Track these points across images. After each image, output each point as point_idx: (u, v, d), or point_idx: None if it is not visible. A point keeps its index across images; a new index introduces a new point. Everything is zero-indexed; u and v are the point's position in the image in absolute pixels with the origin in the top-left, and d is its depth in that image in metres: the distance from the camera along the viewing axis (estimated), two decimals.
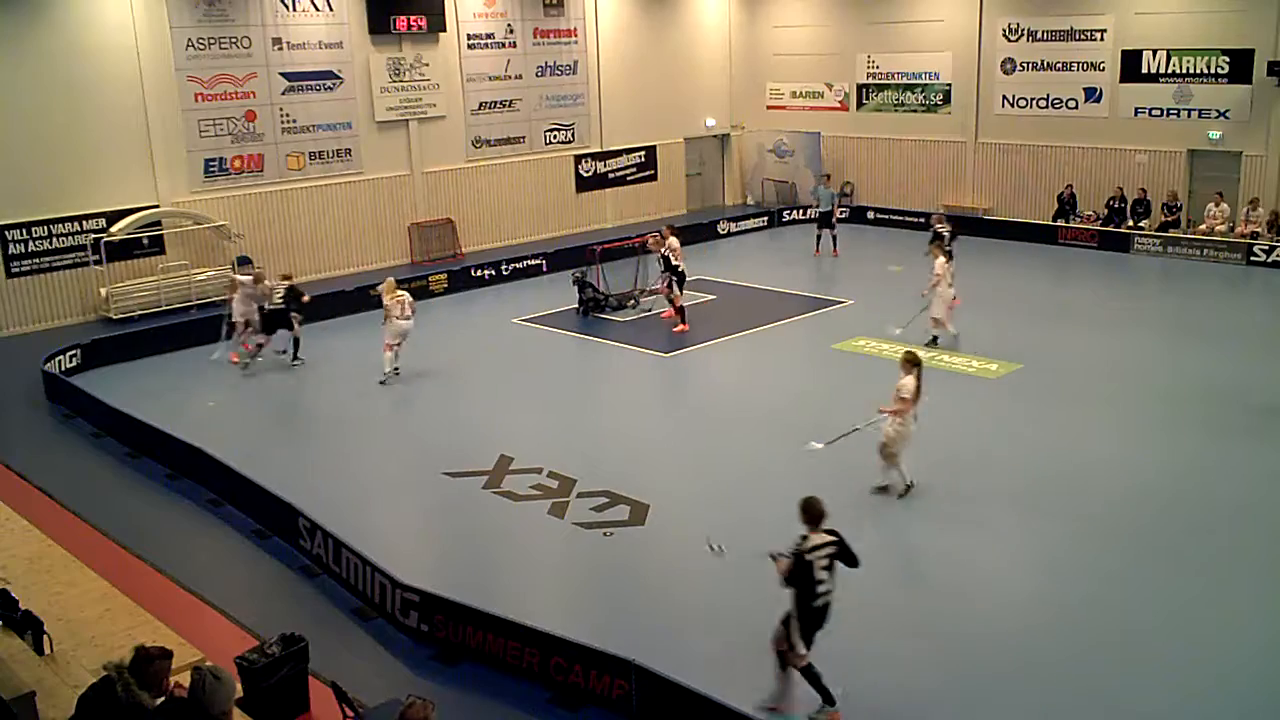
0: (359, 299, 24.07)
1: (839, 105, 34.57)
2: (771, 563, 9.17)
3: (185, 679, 7.04)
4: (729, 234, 31.56)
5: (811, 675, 9.29)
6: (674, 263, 21.40)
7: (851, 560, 9.25)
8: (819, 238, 28.64)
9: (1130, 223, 28.26)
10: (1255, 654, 10.31)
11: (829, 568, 9.08)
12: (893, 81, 33.16)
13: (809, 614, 9.11)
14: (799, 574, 8.99)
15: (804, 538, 9.10)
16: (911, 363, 13.56)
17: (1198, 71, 27.45)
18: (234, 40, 24.83)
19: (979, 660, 10.37)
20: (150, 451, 15.88)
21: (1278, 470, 14.38)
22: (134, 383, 19.33)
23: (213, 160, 24.94)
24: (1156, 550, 12.29)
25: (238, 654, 9.30)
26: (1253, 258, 25.86)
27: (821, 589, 9.04)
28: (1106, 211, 28.91)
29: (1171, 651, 10.37)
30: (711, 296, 23.99)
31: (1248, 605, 11.15)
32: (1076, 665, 10.14)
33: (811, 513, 9.16)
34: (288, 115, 25.90)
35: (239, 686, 8.50)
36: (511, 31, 29.84)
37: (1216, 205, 27.13)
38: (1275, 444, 15.22)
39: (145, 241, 24.01)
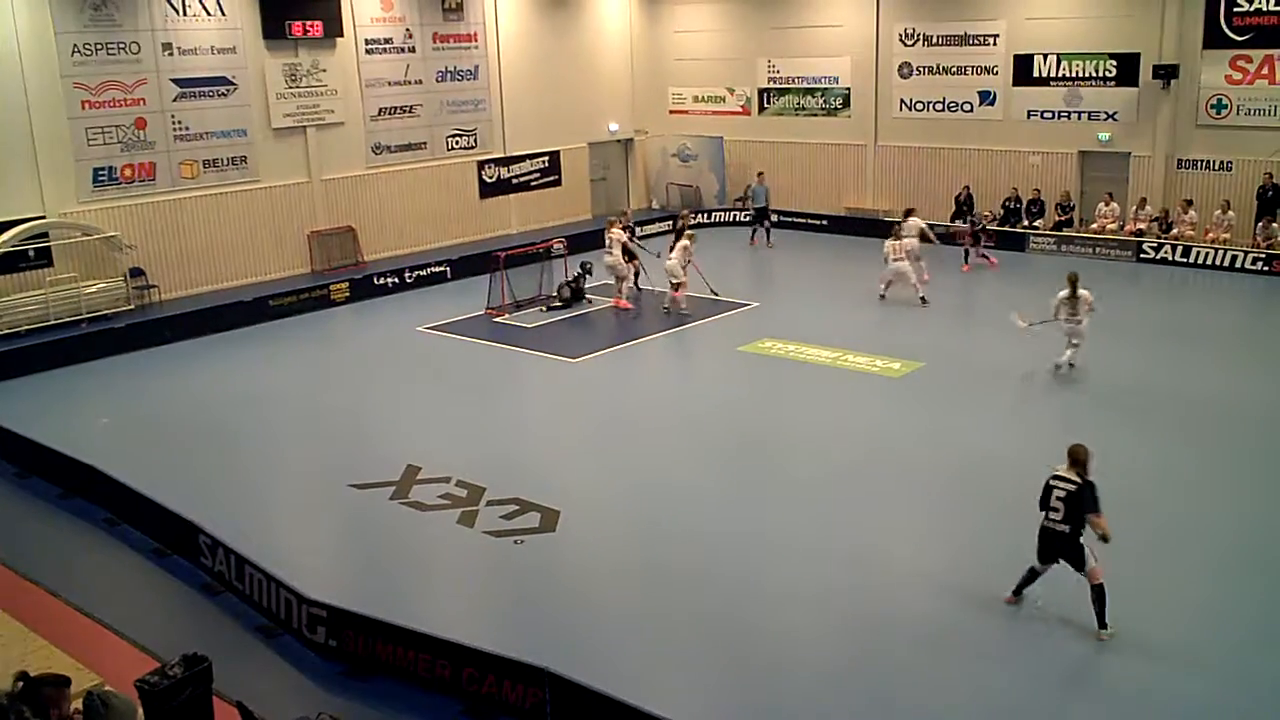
0: (258, 309, 23.60)
1: (741, 109, 34.86)
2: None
3: None
4: (634, 238, 31.53)
5: (1026, 575, 10.97)
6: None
7: (1090, 506, 10.36)
8: (754, 230, 30.71)
9: (1025, 222, 28.92)
10: (1149, 628, 10.60)
11: (1064, 500, 10.42)
12: (793, 86, 33.53)
13: (1040, 531, 10.70)
14: (1043, 494, 10.66)
15: (1056, 470, 10.64)
16: (1072, 282, 17.89)
17: (1087, 75, 28.23)
18: (122, 46, 24.09)
19: (889, 641, 10.49)
20: (41, 470, 15.33)
21: (1166, 463, 14.85)
22: (21, 400, 18.68)
23: (102, 169, 24.18)
24: None
25: (138, 677, 8.99)
26: (1142, 255, 26.65)
27: (1052, 515, 10.55)
28: (1003, 212, 29.55)
29: (1080, 634, 10.60)
30: (610, 302, 23.99)
31: (1147, 588, 11.46)
32: (983, 645, 10.32)
33: (1072, 456, 10.56)
34: (180, 122, 25.23)
35: (140, 711, 8.23)
36: (410, 36, 29.49)
37: (1106, 205, 27.92)
38: (1166, 434, 15.72)
39: (31, 254, 23.16)
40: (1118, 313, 22.54)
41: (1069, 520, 10.43)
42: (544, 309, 23.82)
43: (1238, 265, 25.36)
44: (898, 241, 23.48)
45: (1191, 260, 25.97)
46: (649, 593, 11.81)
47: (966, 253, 27.08)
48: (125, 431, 17.30)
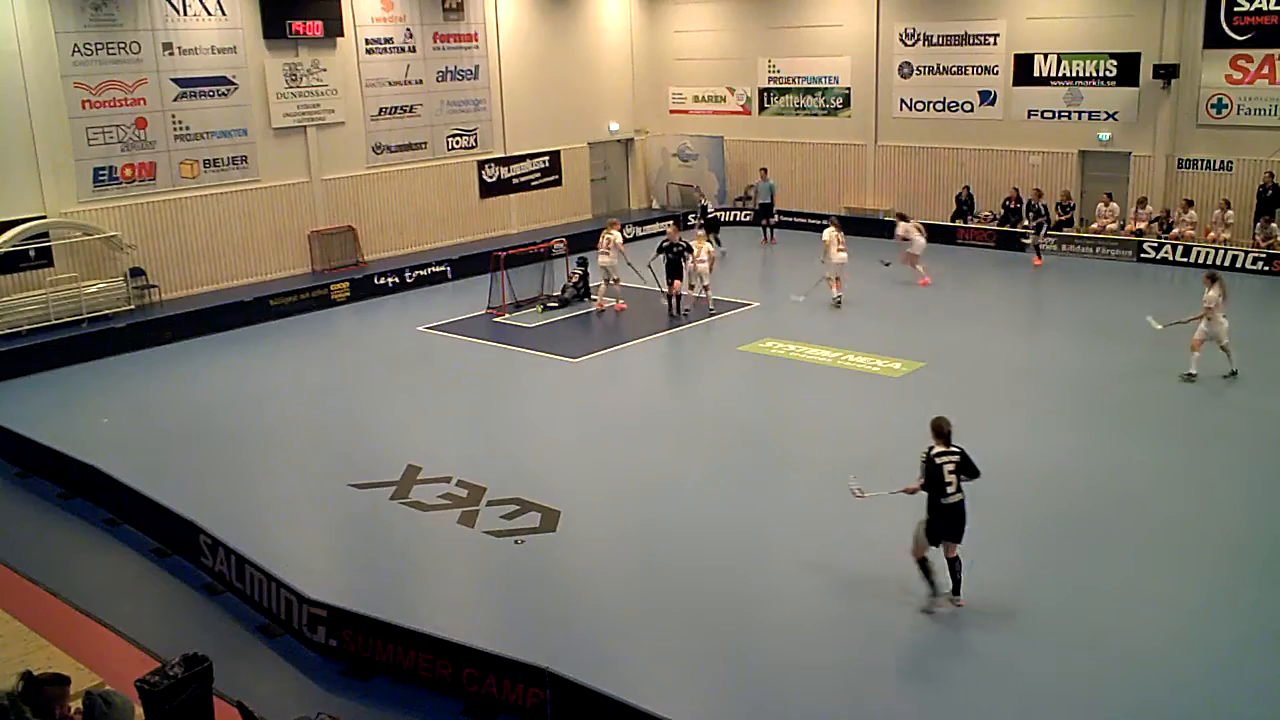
0: (258, 309, 23.60)
1: (741, 109, 34.86)
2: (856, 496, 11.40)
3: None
4: (634, 238, 31.55)
5: (924, 569, 10.97)
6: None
7: (973, 472, 10.82)
8: (764, 227, 30.95)
9: (1026, 222, 28.87)
10: (1145, 630, 10.61)
11: (955, 472, 10.68)
12: (794, 85, 33.52)
13: (938, 511, 10.74)
14: (930, 477, 10.68)
15: (931, 448, 10.76)
16: (1211, 278, 17.38)
17: (1087, 75, 28.24)
18: (122, 45, 24.08)
19: (889, 641, 10.49)
20: (41, 470, 15.33)
21: (1166, 461, 14.88)
22: (21, 400, 18.68)
23: (102, 169, 24.18)
24: (1058, 538, 12.57)
25: (138, 677, 8.99)
26: (1142, 255, 26.65)
27: (950, 490, 10.68)
28: (1003, 212, 29.54)
29: (1070, 632, 10.60)
30: (611, 302, 23.98)
31: (1139, 588, 11.47)
32: (983, 646, 10.31)
33: (938, 429, 10.83)
34: (180, 122, 25.22)
35: (140, 710, 8.23)
36: (411, 36, 29.48)
37: (1106, 205, 27.90)
38: (1166, 433, 15.72)
39: (32, 254, 23.15)
40: (1118, 313, 22.56)
41: (961, 489, 10.79)
42: (541, 308, 23.82)
43: (1238, 265, 25.34)
44: (840, 234, 23.45)
45: (1192, 260, 25.95)
46: (649, 592, 11.80)
47: (1037, 248, 26.95)
48: (125, 431, 17.30)
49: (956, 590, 11.01)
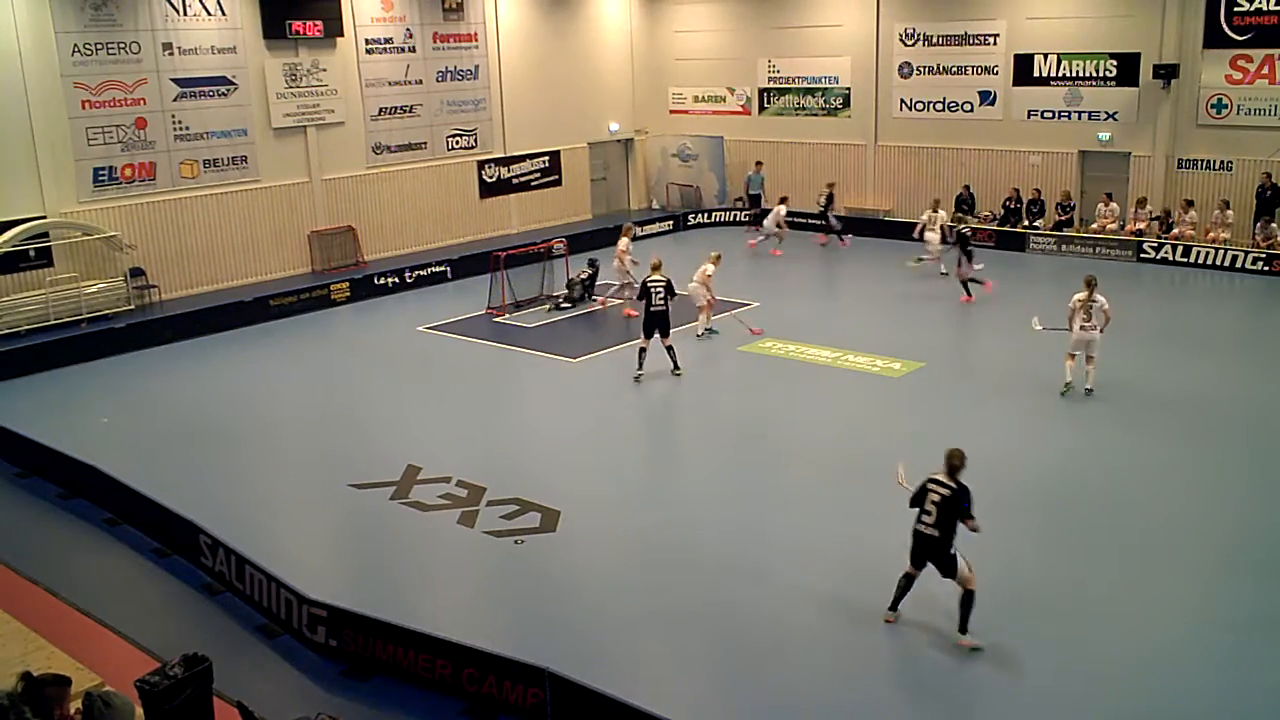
0: (258, 309, 23.60)
1: (741, 109, 34.85)
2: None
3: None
4: (634, 238, 31.50)
5: (901, 583, 10.87)
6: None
7: (964, 515, 10.35)
8: (749, 219, 31.66)
9: (1026, 222, 28.92)
10: (1138, 626, 10.61)
11: (938, 505, 10.38)
12: (793, 85, 33.52)
13: (913, 534, 10.65)
14: (916, 497, 10.63)
15: (933, 474, 10.55)
16: (1087, 283, 17.09)
17: (1087, 75, 28.24)
18: (122, 45, 24.08)
19: (889, 640, 10.48)
20: (41, 470, 15.33)
21: (1165, 462, 14.87)
22: (22, 400, 18.67)
23: (102, 169, 24.17)
24: (1054, 535, 12.58)
25: (138, 677, 8.99)
26: (1142, 255, 26.66)
27: (924, 519, 10.53)
28: (1003, 212, 29.55)
29: (1068, 630, 10.61)
30: (617, 302, 23.99)
31: (1138, 588, 11.49)
32: (999, 647, 10.32)
33: (947, 460, 10.54)
34: (180, 122, 25.22)
35: (140, 710, 8.23)
36: (411, 36, 29.48)
37: (1106, 205, 27.91)
38: (1166, 434, 15.72)
39: (32, 254, 23.15)
40: (1118, 312, 22.54)
41: (940, 525, 10.38)
42: (552, 308, 23.81)
43: (1238, 265, 25.36)
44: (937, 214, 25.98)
45: (1192, 260, 25.98)
46: (649, 593, 11.80)
47: (964, 283, 23.44)
48: (125, 431, 17.29)
49: (963, 628, 10.48)
